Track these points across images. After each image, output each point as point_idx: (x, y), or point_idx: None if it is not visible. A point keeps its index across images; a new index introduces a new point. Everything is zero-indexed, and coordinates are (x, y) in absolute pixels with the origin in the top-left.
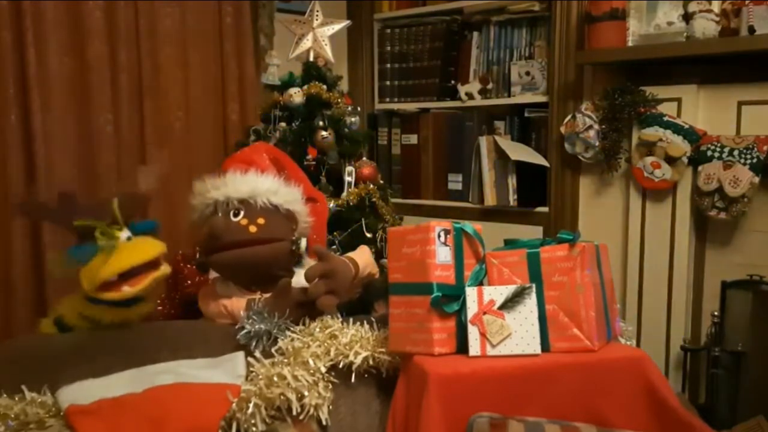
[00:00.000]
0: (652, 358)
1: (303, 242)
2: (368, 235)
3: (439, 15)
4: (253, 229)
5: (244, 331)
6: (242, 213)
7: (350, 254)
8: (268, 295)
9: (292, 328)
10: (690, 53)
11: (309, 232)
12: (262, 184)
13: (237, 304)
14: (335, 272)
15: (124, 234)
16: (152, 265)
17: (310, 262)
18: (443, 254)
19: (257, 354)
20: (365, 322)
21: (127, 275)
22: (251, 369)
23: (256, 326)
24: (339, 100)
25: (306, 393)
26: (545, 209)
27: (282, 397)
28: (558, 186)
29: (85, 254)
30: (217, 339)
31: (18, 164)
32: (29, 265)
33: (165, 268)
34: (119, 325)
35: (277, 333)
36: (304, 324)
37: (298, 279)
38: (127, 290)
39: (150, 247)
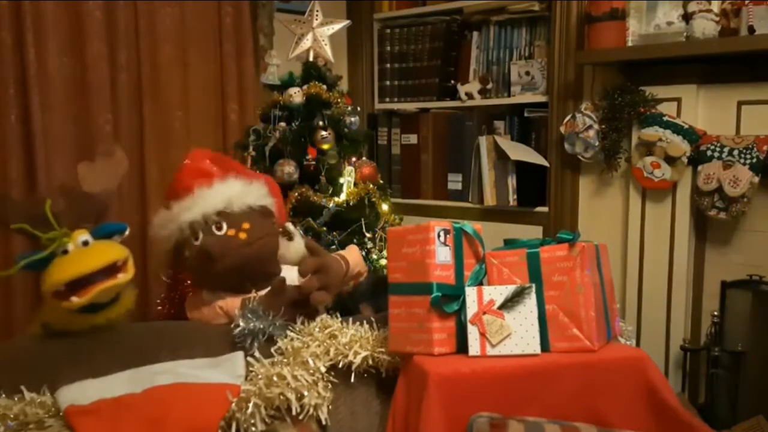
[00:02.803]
0: (652, 358)
1: (289, 225)
2: (368, 234)
3: (439, 15)
4: (242, 236)
5: (239, 328)
6: (225, 224)
7: (341, 252)
8: (262, 292)
9: (287, 327)
10: (690, 53)
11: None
12: (232, 190)
13: (232, 303)
14: (328, 268)
15: (81, 238)
16: (109, 271)
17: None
18: (443, 254)
19: (257, 353)
20: (365, 321)
21: (77, 284)
22: (251, 369)
23: (251, 324)
24: (339, 100)
25: (305, 393)
26: (545, 209)
27: (281, 397)
28: (558, 186)
29: (33, 261)
30: (217, 339)
31: (18, 164)
32: None
33: (123, 277)
34: (108, 327)
35: (272, 331)
36: (299, 323)
37: (288, 274)
38: (75, 301)
39: (104, 253)
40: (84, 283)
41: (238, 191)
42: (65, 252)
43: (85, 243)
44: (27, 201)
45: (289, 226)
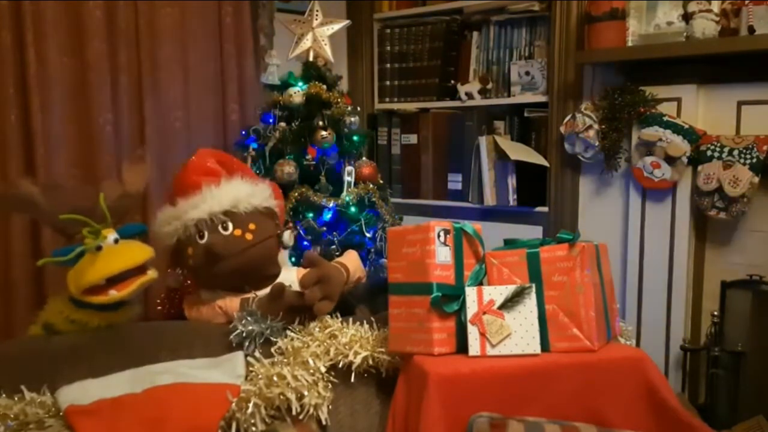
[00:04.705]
0: (652, 358)
1: (287, 234)
2: (367, 234)
3: (438, 15)
4: (249, 237)
5: (237, 331)
6: (231, 224)
7: (340, 259)
8: (261, 291)
9: (285, 330)
10: (690, 53)
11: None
12: (241, 190)
13: (231, 303)
14: (329, 278)
15: (112, 236)
16: (140, 269)
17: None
18: (443, 254)
19: (257, 353)
20: (365, 322)
21: (115, 279)
22: (251, 369)
23: (249, 327)
24: (339, 100)
25: (306, 393)
26: (545, 209)
27: (282, 397)
28: (558, 186)
29: (71, 255)
30: (217, 339)
31: (18, 164)
32: (29, 265)
33: (152, 273)
34: (108, 327)
35: (270, 335)
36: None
37: (286, 276)
38: (114, 294)
39: (138, 252)
40: (120, 279)
41: (246, 191)
42: (98, 248)
43: (116, 241)
44: (78, 192)
45: (286, 235)
